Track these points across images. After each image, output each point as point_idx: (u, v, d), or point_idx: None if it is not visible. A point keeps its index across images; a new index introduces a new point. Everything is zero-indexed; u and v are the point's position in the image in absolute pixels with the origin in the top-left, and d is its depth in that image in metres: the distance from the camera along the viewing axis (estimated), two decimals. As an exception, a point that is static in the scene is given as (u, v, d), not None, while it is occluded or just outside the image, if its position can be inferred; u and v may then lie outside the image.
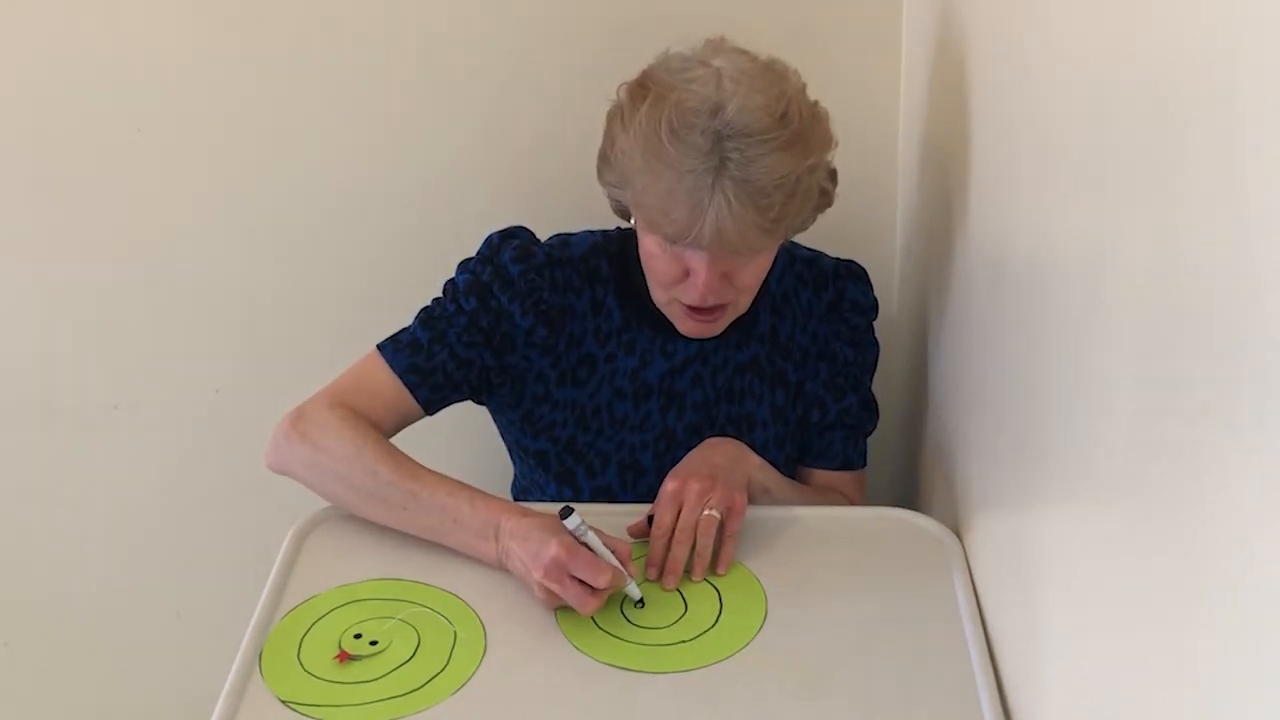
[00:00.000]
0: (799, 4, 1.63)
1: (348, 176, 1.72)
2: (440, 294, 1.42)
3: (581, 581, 1.19)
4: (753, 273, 1.34)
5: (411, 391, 1.38)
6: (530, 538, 1.21)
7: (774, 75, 1.29)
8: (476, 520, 1.26)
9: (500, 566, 1.26)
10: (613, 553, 1.21)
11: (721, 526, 1.29)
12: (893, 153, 1.72)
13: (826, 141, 1.33)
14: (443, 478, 1.30)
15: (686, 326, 1.40)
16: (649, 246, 1.34)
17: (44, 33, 1.63)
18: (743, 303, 1.39)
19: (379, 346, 1.40)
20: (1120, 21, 0.82)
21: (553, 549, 1.19)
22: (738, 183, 1.23)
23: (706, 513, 1.28)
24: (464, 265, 1.42)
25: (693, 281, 1.32)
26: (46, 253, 1.75)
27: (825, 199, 1.37)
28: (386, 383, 1.37)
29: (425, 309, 1.41)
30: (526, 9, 1.64)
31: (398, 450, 1.32)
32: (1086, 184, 0.89)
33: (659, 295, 1.38)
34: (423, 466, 1.31)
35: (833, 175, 1.38)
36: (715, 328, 1.40)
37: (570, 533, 1.20)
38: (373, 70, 1.66)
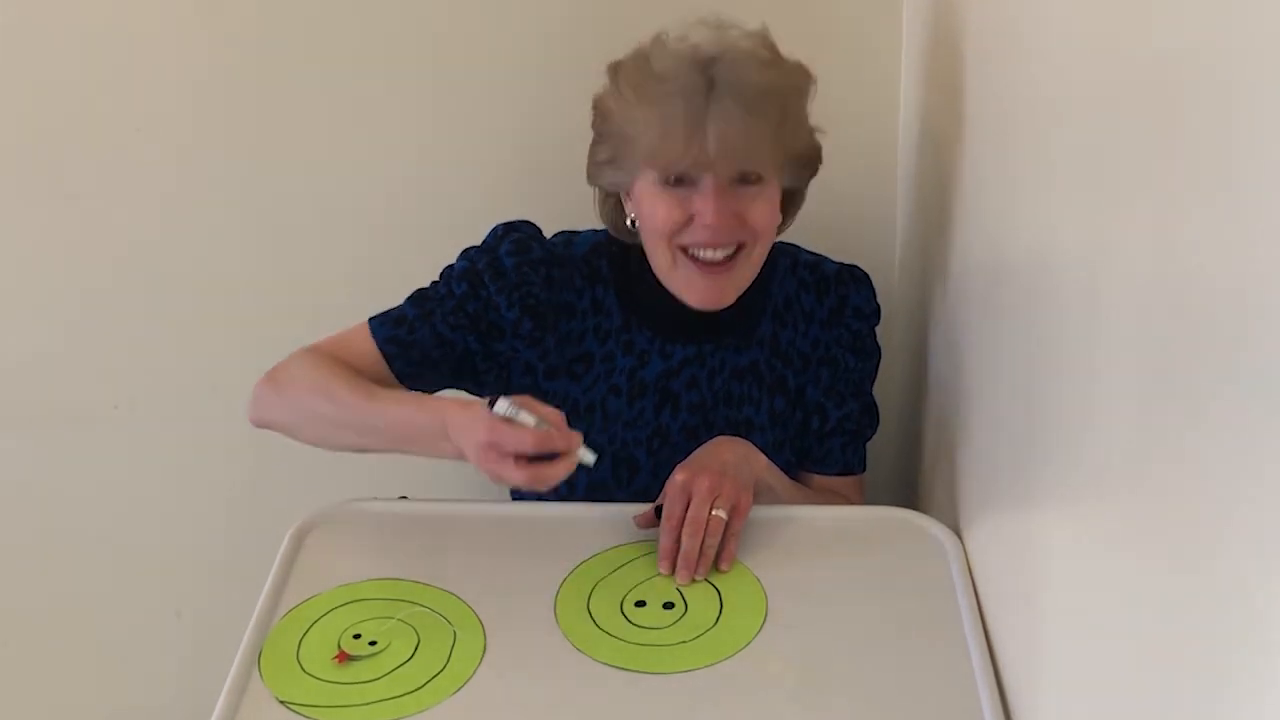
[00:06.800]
0: (799, 3, 1.63)
1: (350, 175, 1.72)
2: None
3: (531, 460, 1.17)
4: (760, 212, 1.34)
5: (388, 362, 1.39)
6: (466, 428, 1.20)
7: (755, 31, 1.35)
8: (429, 424, 1.25)
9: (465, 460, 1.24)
10: (548, 424, 1.18)
11: (725, 524, 1.29)
12: (893, 153, 1.71)
13: (809, 79, 1.38)
14: (394, 392, 1.33)
15: (696, 289, 1.38)
16: (651, 201, 1.34)
17: (44, 32, 1.63)
18: (756, 256, 1.37)
19: (370, 319, 1.41)
20: (1120, 21, 0.82)
21: (480, 434, 1.18)
22: (733, 89, 1.28)
23: (715, 513, 1.28)
24: (466, 252, 1.44)
25: (700, 221, 1.32)
26: (47, 252, 1.75)
27: (816, 151, 1.39)
28: (366, 350, 1.39)
29: (419, 289, 1.43)
30: (542, 7, 1.64)
31: (359, 377, 1.33)
32: (1086, 184, 0.89)
33: (663, 257, 1.37)
34: (380, 387, 1.32)
35: (818, 150, 1.40)
36: (725, 289, 1.38)
37: (502, 418, 1.18)
38: (378, 67, 1.66)
